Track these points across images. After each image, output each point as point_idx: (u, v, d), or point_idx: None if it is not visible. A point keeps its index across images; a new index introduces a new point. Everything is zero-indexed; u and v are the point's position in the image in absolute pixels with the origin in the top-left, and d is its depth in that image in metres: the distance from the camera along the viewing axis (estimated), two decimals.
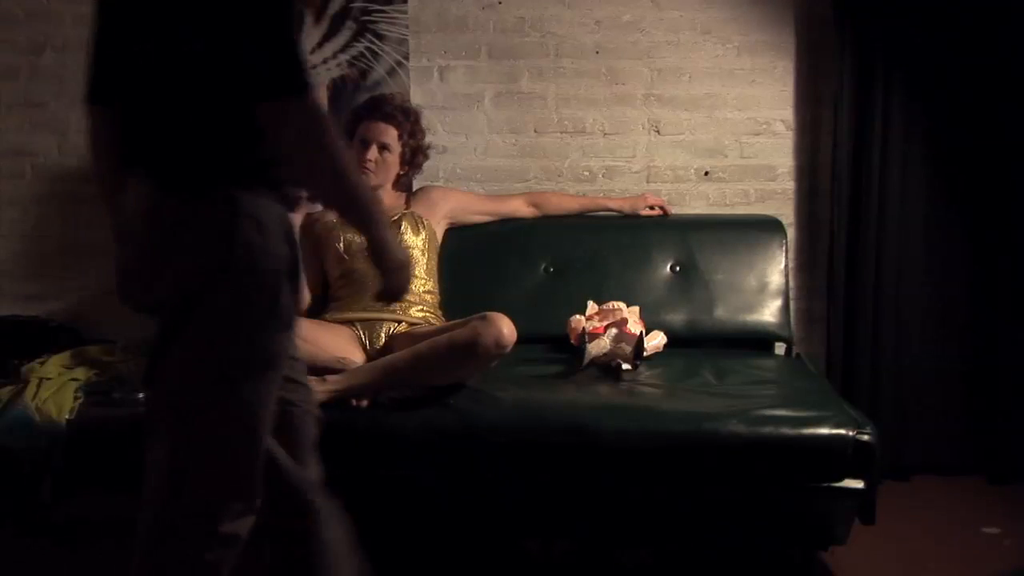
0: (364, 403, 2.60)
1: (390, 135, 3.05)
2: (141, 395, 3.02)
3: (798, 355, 3.20)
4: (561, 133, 3.45)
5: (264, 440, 1.76)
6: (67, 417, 2.96)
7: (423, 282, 3.01)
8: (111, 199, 1.86)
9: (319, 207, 3.35)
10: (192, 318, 1.67)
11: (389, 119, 3.05)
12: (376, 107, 3.06)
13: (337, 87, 3.38)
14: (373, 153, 3.02)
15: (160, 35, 1.68)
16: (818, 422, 2.47)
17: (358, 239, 3.00)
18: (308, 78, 1.64)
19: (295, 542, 1.92)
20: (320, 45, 3.35)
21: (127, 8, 1.75)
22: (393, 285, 1.84)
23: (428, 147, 3.19)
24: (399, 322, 2.91)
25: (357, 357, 2.77)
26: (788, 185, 3.47)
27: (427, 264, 3.05)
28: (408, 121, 3.09)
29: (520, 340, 2.60)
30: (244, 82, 1.62)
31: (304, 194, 1.81)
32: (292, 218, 1.77)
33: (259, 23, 1.61)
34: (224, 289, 1.66)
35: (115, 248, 1.84)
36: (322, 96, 3.37)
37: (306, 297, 3.01)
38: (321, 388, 2.57)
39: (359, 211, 1.78)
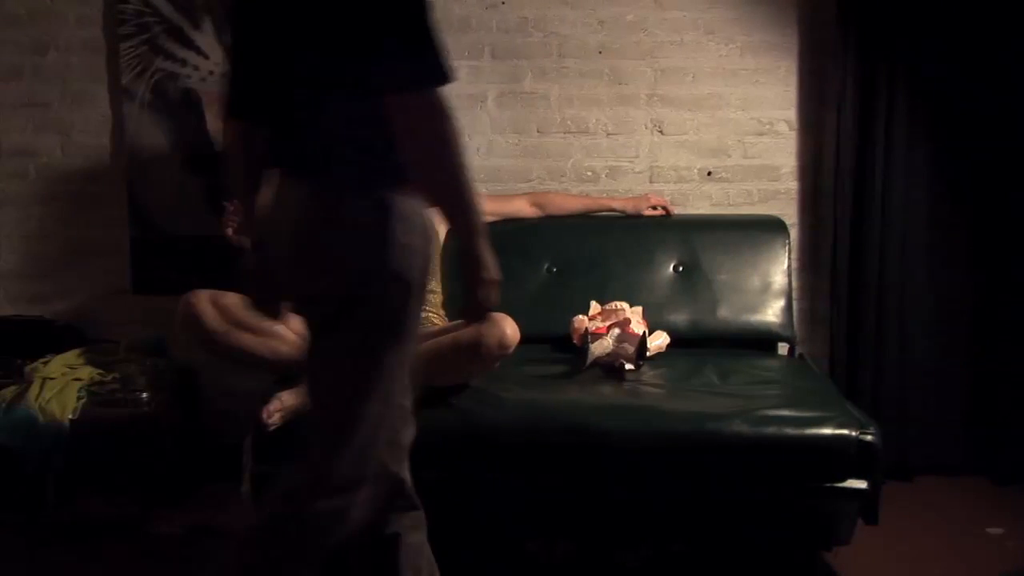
0: None
1: None
2: (144, 395, 3.05)
3: (801, 355, 3.20)
4: (564, 133, 3.45)
5: (407, 431, 1.85)
6: (70, 417, 2.98)
7: None
8: (248, 207, 1.94)
9: None
10: (347, 316, 1.73)
11: None
12: None
13: None
14: None
15: (299, 35, 1.72)
16: (821, 422, 2.47)
17: None
18: (438, 73, 1.63)
19: (384, 543, 1.97)
20: None
21: (263, 16, 1.79)
22: (480, 300, 1.80)
23: None
24: None
25: None
26: (791, 185, 3.46)
27: None
28: None
29: (523, 340, 2.60)
30: (375, 75, 1.62)
31: None
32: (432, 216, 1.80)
33: (392, 16, 1.61)
34: (378, 288, 1.73)
35: (249, 254, 1.93)
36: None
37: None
38: None
39: (464, 217, 1.75)
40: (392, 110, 1.63)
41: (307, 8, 1.71)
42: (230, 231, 2.98)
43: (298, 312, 1.91)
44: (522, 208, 3.28)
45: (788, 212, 3.43)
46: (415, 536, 2.02)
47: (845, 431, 2.44)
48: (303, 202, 1.77)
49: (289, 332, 2.67)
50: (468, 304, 1.81)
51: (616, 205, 3.32)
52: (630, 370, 2.82)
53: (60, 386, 3.04)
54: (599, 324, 2.92)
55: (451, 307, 3.05)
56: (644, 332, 2.87)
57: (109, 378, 3.12)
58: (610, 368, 2.83)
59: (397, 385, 1.81)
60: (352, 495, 1.82)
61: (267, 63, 1.80)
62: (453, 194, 1.72)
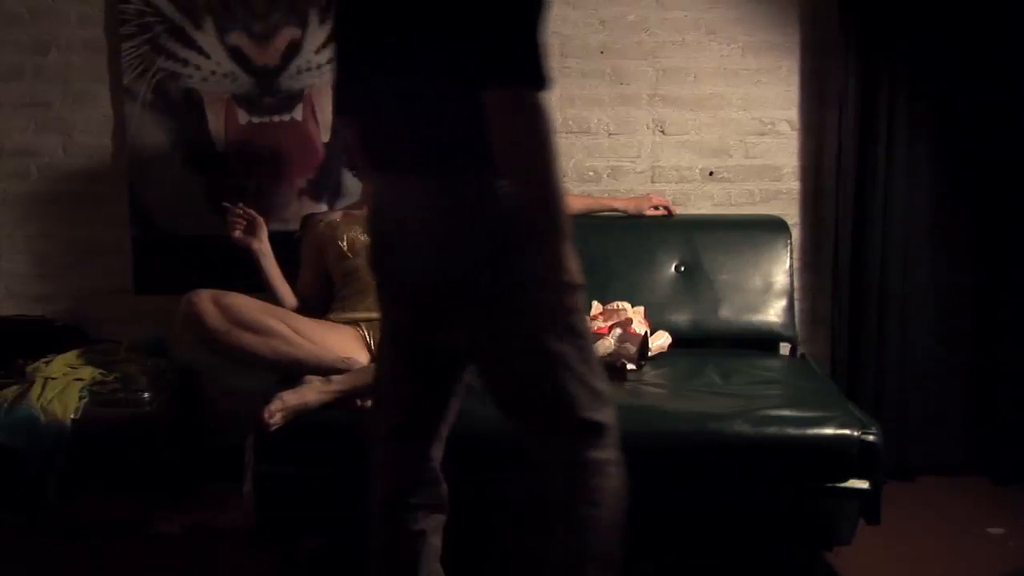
0: (368, 403, 2.59)
1: None
2: (145, 395, 3.05)
3: (803, 355, 3.20)
4: (566, 133, 3.45)
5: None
6: (72, 417, 2.98)
7: None
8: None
9: (324, 207, 3.36)
10: (517, 296, 1.80)
11: None
12: None
13: None
14: None
15: (411, 29, 1.75)
16: (823, 422, 2.47)
17: (362, 236, 3.00)
18: (541, 75, 1.64)
19: (409, 539, 2.05)
20: (325, 45, 3.34)
21: (373, 12, 1.81)
22: None
23: None
24: None
25: (362, 357, 2.76)
26: (793, 185, 3.46)
27: None
28: None
29: None
30: (477, 67, 1.64)
31: None
32: None
33: (506, 14, 1.63)
34: (519, 266, 1.78)
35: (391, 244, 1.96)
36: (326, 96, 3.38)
37: (290, 300, 3.01)
38: (326, 388, 2.57)
39: (550, 218, 1.75)
40: (492, 105, 1.64)
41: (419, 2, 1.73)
42: (237, 233, 2.98)
43: (439, 302, 1.90)
44: None
45: (790, 212, 3.43)
46: (436, 539, 2.06)
47: (847, 431, 2.44)
48: (432, 196, 1.79)
49: (291, 332, 2.67)
50: None
51: (618, 205, 3.32)
52: (632, 370, 2.82)
53: (62, 386, 3.04)
54: (601, 324, 2.92)
55: None
56: (646, 332, 2.87)
57: (111, 378, 3.12)
58: (612, 368, 2.82)
59: (587, 346, 1.89)
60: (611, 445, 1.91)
61: (377, 60, 1.81)
62: (539, 195, 1.71)
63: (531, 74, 1.63)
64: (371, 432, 2.08)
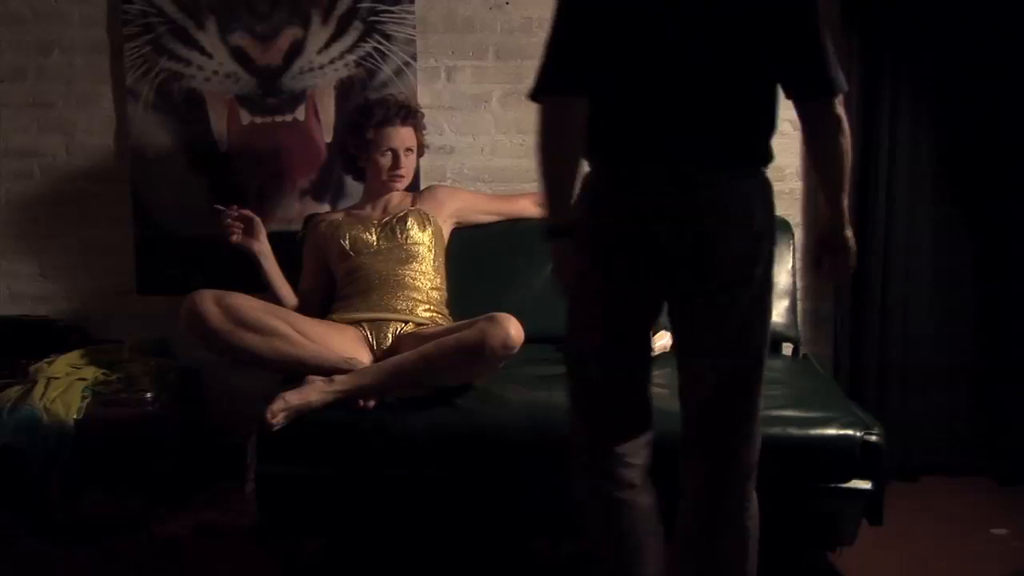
0: (371, 403, 2.60)
1: (413, 138, 3.08)
2: (148, 395, 3.05)
3: (805, 355, 3.20)
4: None
5: None
6: (75, 417, 2.98)
7: (430, 279, 3.01)
8: (567, 191, 1.96)
9: (326, 208, 3.36)
10: (765, 295, 2.00)
11: (407, 121, 3.06)
12: (395, 113, 3.05)
13: (344, 87, 3.38)
14: (406, 160, 3.04)
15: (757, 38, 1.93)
16: (825, 423, 2.47)
17: (364, 235, 3.00)
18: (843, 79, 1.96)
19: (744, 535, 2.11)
20: (327, 45, 3.35)
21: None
22: (839, 272, 2.13)
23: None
24: (406, 322, 2.91)
25: (364, 357, 2.77)
26: (795, 185, 3.46)
27: (434, 262, 3.05)
28: (420, 118, 3.12)
29: (527, 340, 2.60)
30: (822, 78, 1.97)
31: None
32: None
33: (820, 27, 1.93)
34: (771, 256, 2.00)
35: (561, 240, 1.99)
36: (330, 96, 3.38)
37: (291, 300, 3.01)
38: (328, 388, 2.57)
39: (844, 204, 2.04)
40: (824, 111, 2.00)
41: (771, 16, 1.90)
42: (236, 237, 2.97)
43: (705, 291, 1.96)
44: (526, 208, 3.27)
45: (792, 212, 3.43)
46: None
47: (849, 431, 2.44)
48: (732, 191, 1.91)
49: (293, 332, 2.67)
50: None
51: None
52: None
53: (64, 386, 3.04)
54: None
55: (455, 307, 3.05)
56: None
57: (113, 378, 3.12)
58: None
59: None
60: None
61: (691, 67, 1.90)
62: (842, 182, 2.04)
63: (842, 82, 2.01)
64: (588, 442, 2.08)
